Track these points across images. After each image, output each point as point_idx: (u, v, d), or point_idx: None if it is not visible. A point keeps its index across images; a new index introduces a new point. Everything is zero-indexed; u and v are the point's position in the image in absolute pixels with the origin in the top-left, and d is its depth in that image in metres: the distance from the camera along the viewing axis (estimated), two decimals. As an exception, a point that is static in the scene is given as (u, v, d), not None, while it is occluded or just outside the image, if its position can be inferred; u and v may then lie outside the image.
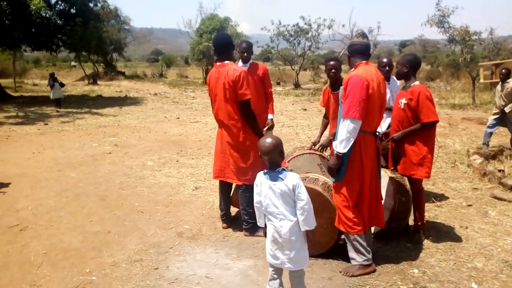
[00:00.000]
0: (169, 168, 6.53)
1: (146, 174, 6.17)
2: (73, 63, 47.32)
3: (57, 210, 4.70)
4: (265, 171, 2.70)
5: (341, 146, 3.03)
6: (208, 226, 4.21)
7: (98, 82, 28.99)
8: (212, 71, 3.99)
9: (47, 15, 17.90)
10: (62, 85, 15.12)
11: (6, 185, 5.62)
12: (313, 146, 4.63)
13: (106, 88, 24.09)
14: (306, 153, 4.55)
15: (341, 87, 3.23)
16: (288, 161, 4.55)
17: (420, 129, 3.72)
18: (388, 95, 4.49)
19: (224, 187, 4.19)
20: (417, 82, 3.83)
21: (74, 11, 18.91)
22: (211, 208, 4.72)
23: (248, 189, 3.85)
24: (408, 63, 3.84)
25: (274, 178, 2.61)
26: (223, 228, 4.15)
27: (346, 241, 3.30)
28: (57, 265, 3.44)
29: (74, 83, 29.49)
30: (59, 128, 10.54)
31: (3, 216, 4.53)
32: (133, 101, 17.11)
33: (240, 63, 4.87)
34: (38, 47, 18.78)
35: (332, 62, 4.39)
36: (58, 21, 18.63)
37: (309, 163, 4.56)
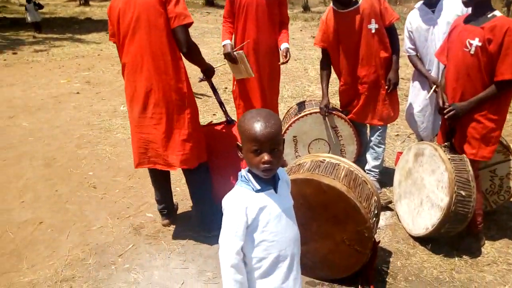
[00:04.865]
0: (146, 115, 5.25)
1: (114, 124, 4.91)
2: (66, -19, 43.78)
3: (-15, 181, 3.56)
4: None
5: None
6: (180, 214, 3.05)
7: (91, 2, 26.57)
8: None
9: None
10: (40, 6, 13.32)
11: None
12: (325, 113, 3.26)
13: (98, 10, 21.85)
14: (316, 112, 3.25)
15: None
16: (292, 124, 3.27)
17: (493, 91, 2.37)
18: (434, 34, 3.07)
19: (156, 174, 2.78)
20: (497, 13, 2.37)
21: None
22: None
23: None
24: None
25: None
26: (163, 225, 2.86)
27: None
28: None
29: (65, 3, 27.04)
30: (29, 58, 9.09)
31: None
32: (123, 25, 15.26)
33: None
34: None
35: None
36: None
37: (319, 126, 3.29)
